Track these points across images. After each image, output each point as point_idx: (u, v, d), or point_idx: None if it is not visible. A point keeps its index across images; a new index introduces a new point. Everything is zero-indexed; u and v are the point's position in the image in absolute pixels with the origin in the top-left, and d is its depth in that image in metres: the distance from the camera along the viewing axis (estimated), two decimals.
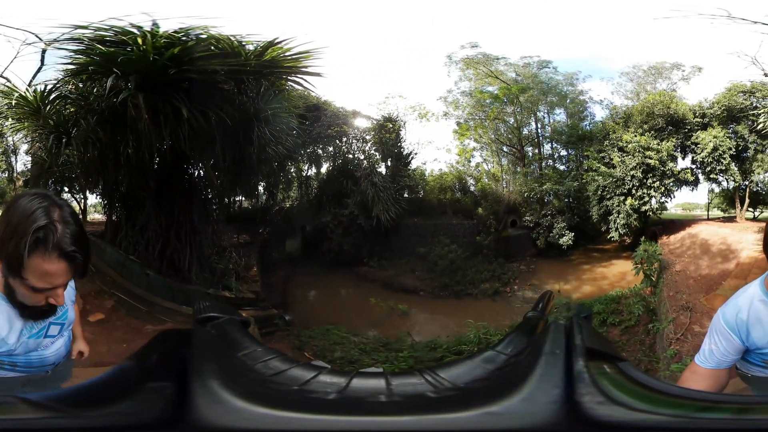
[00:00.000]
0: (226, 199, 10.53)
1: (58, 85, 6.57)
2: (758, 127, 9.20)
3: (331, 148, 11.72)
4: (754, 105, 9.28)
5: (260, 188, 12.14)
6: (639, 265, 7.07)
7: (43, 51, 7.72)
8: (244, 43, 6.06)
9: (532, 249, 11.16)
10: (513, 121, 12.05)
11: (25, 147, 9.16)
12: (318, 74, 6.70)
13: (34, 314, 1.42)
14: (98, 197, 8.46)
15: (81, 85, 6.50)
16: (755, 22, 6.85)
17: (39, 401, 0.81)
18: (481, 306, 7.48)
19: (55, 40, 5.91)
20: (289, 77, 7.13)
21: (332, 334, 7.01)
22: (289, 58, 6.50)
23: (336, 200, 10.99)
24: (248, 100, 6.79)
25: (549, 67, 11.42)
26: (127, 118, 5.65)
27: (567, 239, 10.20)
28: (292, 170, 12.50)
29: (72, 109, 6.53)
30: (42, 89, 6.73)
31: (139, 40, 5.36)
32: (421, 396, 0.82)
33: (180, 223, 6.93)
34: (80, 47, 5.62)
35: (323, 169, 12.39)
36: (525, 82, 11.39)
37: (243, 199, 12.15)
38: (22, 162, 12.26)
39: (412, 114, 11.61)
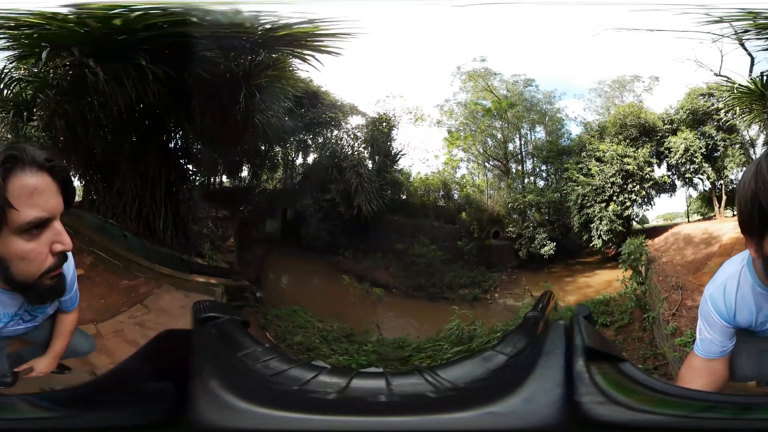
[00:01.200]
0: (208, 179, 10.57)
1: (7, 71, 6.51)
2: (723, 120, 9.54)
3: (320, 140, 11.75)
4: (715, 105, 9.71)
5: (245, 170, 12.19)
6: (626, 260, 7.07)
7: None
8: (244, 19, 6.00)
9: (514, 261, 11.23)
10: (500, 136, 12.36)
11: None
12: (330, 52, 6.34)
13: (40, 296, 1.30)
14: (75, 177, 8.49)
15: (35, 69, 6.52)
16: (686, 30, 7.22)
17: (39, 401, 0.81)
18: (459, 310, 7.39)
19: None
20: (297, 53, 6.95)
21: (298, 317, 6.84)
22: (303, 33, 6.36)
23: (319, 186, 11.00)
24: (237, 68, 6.63)
25: (532, 86, 11.85)
26: (88, 84, 5.64)
27: (549, 249, 10.30)
28: (279, 155, 12.53)
29: (31, 91, 6.62)
30: None
31: (36, 20, 5.42)
32: (421, 396, 0.82)
33: (155, 183, 6.81)
34: (8, 33, 5.74)
35: (310, 159, 12.41)
36: (513, 98, 11.74)
37: (225, 178, 12.25)
38: None
39: (408, 115, 11.77)
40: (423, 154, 13.53)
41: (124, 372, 0.91)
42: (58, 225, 1.17)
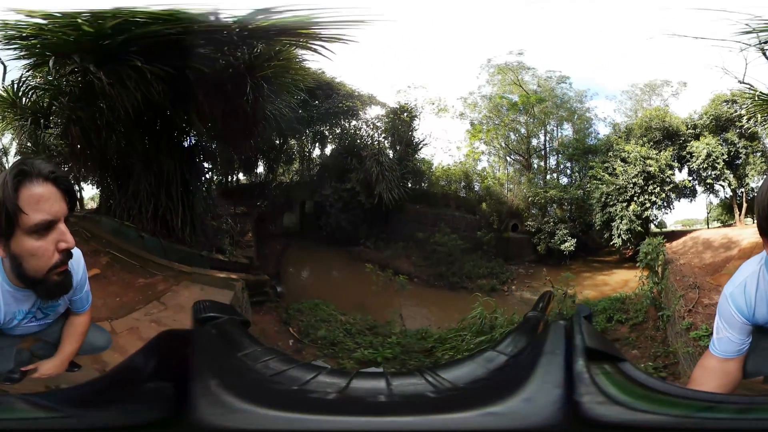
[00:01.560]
0: (225, 177, 10.46)
1: (25, 80, 6.67)
2: (745, 127, 9.59)
3: (338, 130, 11.59)
4: (737, 112, 9.78)
5: (260, 166, 12.02)
6: (643, 259, 7.09)
7: None
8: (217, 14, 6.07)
9: (532, 254, 11.20)
10: (524, 130, 12.32)
11: (14, 150, 9.23)
12: (340, 39, 6.22)
13: (48, 291, 1.45)
14: (92, 184, 8.44)
15: (50, 77, 6.60)
16: (718, 39, 7.34)
17: (39, 401, 0.81)
18: (474, 300, 7.31)
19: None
20: (299, 42, 6.82)
21: (320, 310, 6.77)
22: (300, 22, 6.28)
23: (338, 176, 10.79)
24: (236, 62, 6.55)
25: (566, 83, 11.81)
26: (95, 90, 5.77)
27: (569, 245, 10.29)
28: (295, 148, 12.39)
29: (47, 99, 6.72)
30: (11, 85, 6.88)
31: (33, 31, 5.52)
32: (421, 396, 0.82)
33: (170, 181, 6.75)
34: (17, 44, 5.86)
35: (327, 150, 12.25)
36: (543, 94, 11.71)
37: (241, 175, 12.17)
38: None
39: (430, 106, 11.70)
40: (445, 145, 13.55)
41: (124, 372, 0.91)
42: (62, 226, 1.35)
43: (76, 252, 1.58)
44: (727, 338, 1.42)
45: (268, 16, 6.04)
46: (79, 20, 5.47)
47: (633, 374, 0.84)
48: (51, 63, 5.80)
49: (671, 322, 5.75)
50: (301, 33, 6.48)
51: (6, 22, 5.50)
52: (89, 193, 11.04)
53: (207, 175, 8.38)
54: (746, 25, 6.37)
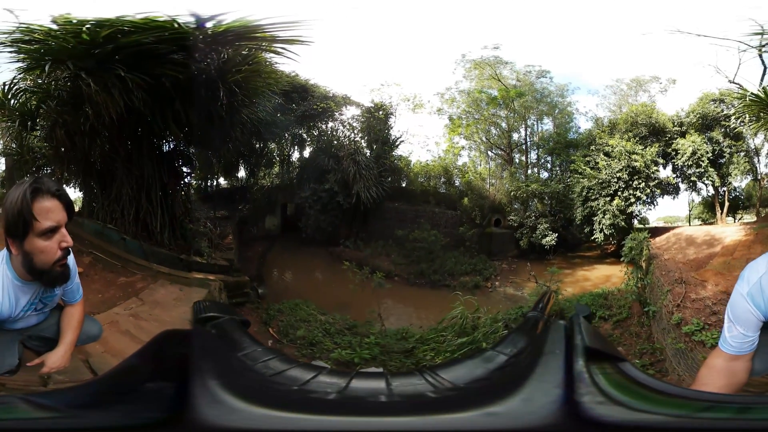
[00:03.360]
0: (204, 181, 10.59)
1: (16, 82, 6.78)
2: (732, 127, 9.63)
3: (316, 132, 11.65)
4: (724, 112, 9.82)
5: (241, 169, 12.04)
6: (628, 253, 7.04)
7: None
8: (167, 18, 6.28)
9: (515, 250, 11.17)
10: (505, 125, 12.29)
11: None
12: (296, 41, 6.36)
13: (53, 280, 1.84)
14: (74, 187, 8.66)
15: (40, 80, 6.77)
16: (711, 36, 7.37)
17: (39, 401, 0.81)
18: (458, 299, 7.20)
19: None
20: (262, 47, 6.99)
21: (300, 310, 6.80)
22: (261, 26, 6.47)
23: (316, 178, 10.57)
24: (207, 66, 6.70)
25: (546, 77, 11.75)
26: (83, 95, 6.00)
27: (550, 239, 10.28)
28: (275, 152, 12.46)
29: (35, 102, 6.86)
30: (2, 87, 7.04)
31: (40, 36, 5.72)
32: (421, 396, 0.82)
33: (150, 185, 6.97)
34: (12, 49, 6.09)
35: (306, 153, 12.31)
36: (523, 88, 11.68)
37: (222, 179, 12.17)
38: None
39: (406, 103, 11.67)
40: (423, 141, 13.58)
41: (124, 372, 0.91)
42: (63, 230, 1.76)
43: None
44: (741, 335, 1.47)
45: (218, 21, 6.26)
46: (84, 29, 5.72)
47: (633, 374, 0.84)
48: (47, 67, 6.03)
49: (657, 318, 5.73)
50: (257, 37, 6.62)
51: (19, 25, 5.74)
52: (72, 196, 11.08)
53: (186, 180, 8.51)
54: (759, 25, 6.39)
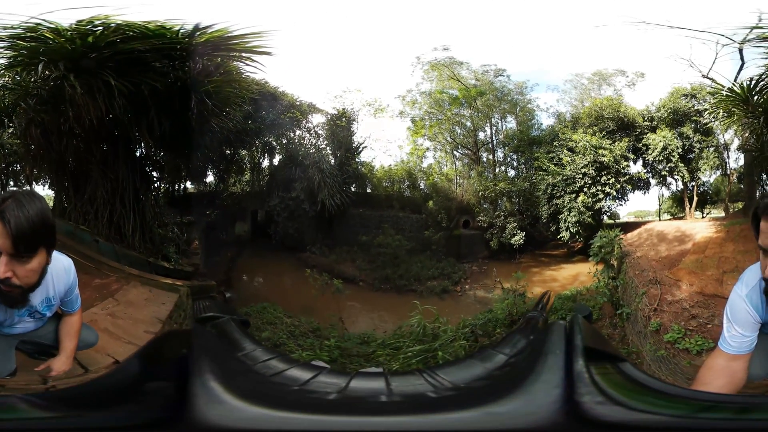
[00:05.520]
0: (171, 185, 10.62)
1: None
2: (703, 122, 9.56)
3: (285, 141, 11.82)
4: (695, 107, 9.74)
5: (210, 175, 12.05)
6: (598, 252, 6.86)
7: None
8: (167, 26, 6.19)
9: (485, 251, 11.12)
10: (470, 124, 12.30)
11: None
12: (264, 52, 6.63)
13: (9, 302, 1.62)
14: (45, 184, 8.78)
15: (18, 77, 6.80)
16: (685, 28, 7.26)
17: (39, 401, 0.81)
18: (426, 303, 7.18)
19: None
20: (233, 55, 7.17)
21: (267, 313, 6.99)
22: (234, 37, 6.54)
23: (284, 186, 10.81)
24: (184, 75, 6.90)
25: (503, 76, 11.72)
26: (65, 96, 6.05)
27: (518, 238, 10.25)
28: (246, 158, 12.55)
29: (12, 99, 6.88)
30: None
31: (48, 34, 5.74)
32: (421, 396, 0.82)
33: (124, 189, 7.14)
34: (5, 44, 6.01)
35: (276, 161, 12.47)
36: (483, 87, 11.70)
37: (189, 184, 12.30)
38: None
39: (367, 108, 11.74)
40: (385, 146, 13.60)
41: (124, 372, 0.91)
42: (4, 257, 1.45)
43: (67, 261, 1.88)
44: (740, 335, 1.52)
45: (203, 31, 6.36)
46: (97, 31, 5.79)
47: (633, 374, 0.84)
48: (40, 67, 6.05)
49: (631, 320, 5.69)
50: (231, 47, 6.78)
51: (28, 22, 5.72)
52: (42, 194, 11.15)
53: (156, 184, 8.67)
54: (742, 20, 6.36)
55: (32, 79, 6.52)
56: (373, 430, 0.75)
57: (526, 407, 0.73)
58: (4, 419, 0.76)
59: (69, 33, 5.82)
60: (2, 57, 6.37)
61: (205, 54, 6.96)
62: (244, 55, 7.00)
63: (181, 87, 6.83)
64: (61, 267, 1.85)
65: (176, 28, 6.27)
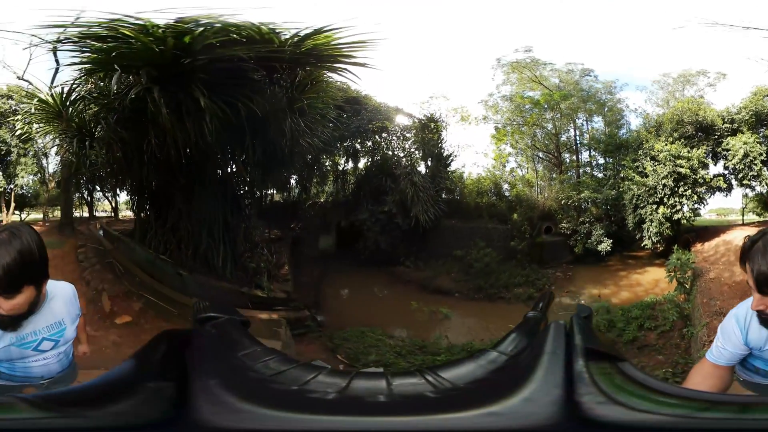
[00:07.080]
0: (258, 193, 10.31)
1: (75, 87, 6.40)
2: None
3: (370, 143, 11.51)
4: None
5: (292, 181, 11.96)
6: (672, 274, 6.90)
7: (54, 51, 7.48)
8: (277, 31, 5.52)
9: (569, 256, 10.98)
10: (551, 127, 12.06)
11: (55, 149, 9.12)
12: (364, 65, 6.05)
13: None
14: (128, 194, 8.34)
15: (102, 83, 6.29)
16: (761, 29, 7.05)
17: (39, 401, 0.81)
18: (513, 310, 7.22)
19: (59, 41, 5.67)
20: (332, 67, 6.63)
21: (367, 337, 6.83)
22: (336, 47, 5.94)
23: (374, 197, 10.62)
24: (281, 91, 6.49)
25: (590, 75, 11.45)
26: (148, 114, 5.41)
27: (606, 245, 10.07)
28: (327, 164, 12.18)
29: (94, 109, 6.42)
30: (60, 91, 6.61)
31: (127, 32, 5.01)
32: (421, 396, 0.82)
33: (213, 220, 6.77)
34: (80, 46, 5.42)
35: (361, 165, 12.09)
36: (567, 89, 11.42)
37: (274, 192, 11.95)
38: (54, 164, 12.01)
39: (454, 116, 11.59)
40: (473, 154, 13.46)
41: (124, 372, 0.91)
42: None
43: (70, 289, 1.79)
44: (722, 348, 1.66)
45: (312, 38, 5.80)
46: (189, 29, 5.00)
47: (633, 374, 0.84)
48: (114, 78, 5.40)
49: (694, 339, 5.74)
50: (335, 58, 6.30)
51: (90, 22, 5.08)
52: (127, 213, 11.01)
53: (246, 211, 8.27)
54: None
55: (110, 89, 5.77)
56: (373, 430, 0.75)
57: (526, 407, 0.73)
58: (4, 419, 0.76)
59: (161, 31, 5.02)
60: (80, 61, 5.60)
61: (308, 64, 6.43)
62: (339, 67, 6.42)
63: (275, 107, 6.26)
64: (70, 292, 1.77)
65: (286, 35, 5.56)
